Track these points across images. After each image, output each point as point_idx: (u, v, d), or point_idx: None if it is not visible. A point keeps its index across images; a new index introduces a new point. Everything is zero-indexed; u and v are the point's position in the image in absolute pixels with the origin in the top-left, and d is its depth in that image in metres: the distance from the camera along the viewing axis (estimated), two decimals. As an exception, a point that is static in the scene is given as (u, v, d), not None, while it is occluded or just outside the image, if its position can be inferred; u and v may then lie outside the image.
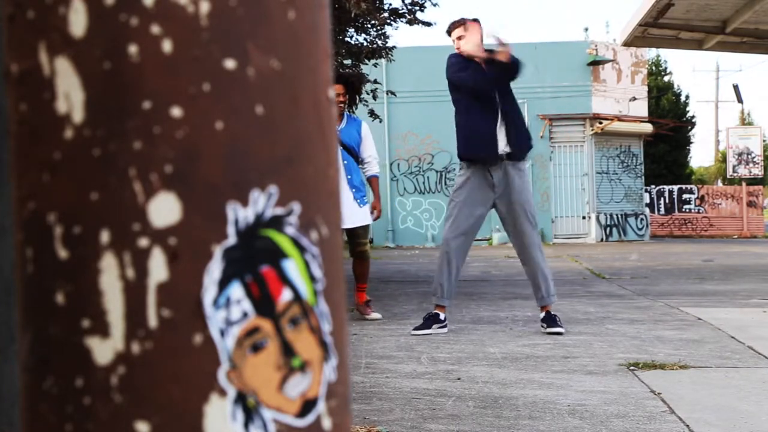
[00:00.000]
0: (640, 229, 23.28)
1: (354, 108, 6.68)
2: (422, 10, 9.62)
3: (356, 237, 6.53)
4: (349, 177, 6.43)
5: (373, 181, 6.62)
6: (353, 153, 6.50)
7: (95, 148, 0.58)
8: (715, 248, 18.24)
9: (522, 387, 3.97)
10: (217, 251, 0.59)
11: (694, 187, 28.64)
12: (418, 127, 21.32)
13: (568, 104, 21.96)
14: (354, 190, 6.43)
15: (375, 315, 6.53)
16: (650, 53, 31.06)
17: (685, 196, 27.82)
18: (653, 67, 32.78)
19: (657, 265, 12.82)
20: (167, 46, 0.58)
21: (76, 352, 0.58)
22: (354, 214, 6.42)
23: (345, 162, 6.44)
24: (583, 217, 22.63)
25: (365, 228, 6.60)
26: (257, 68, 0.60)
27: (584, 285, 9.47)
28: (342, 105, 6.50)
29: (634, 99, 22.98)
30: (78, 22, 0.58)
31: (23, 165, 0.61)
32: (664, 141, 30.19)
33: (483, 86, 5.68)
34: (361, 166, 6.60)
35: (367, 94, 10.07)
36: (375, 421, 3.34)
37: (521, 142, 5.77)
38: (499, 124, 5.71)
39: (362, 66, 10.26)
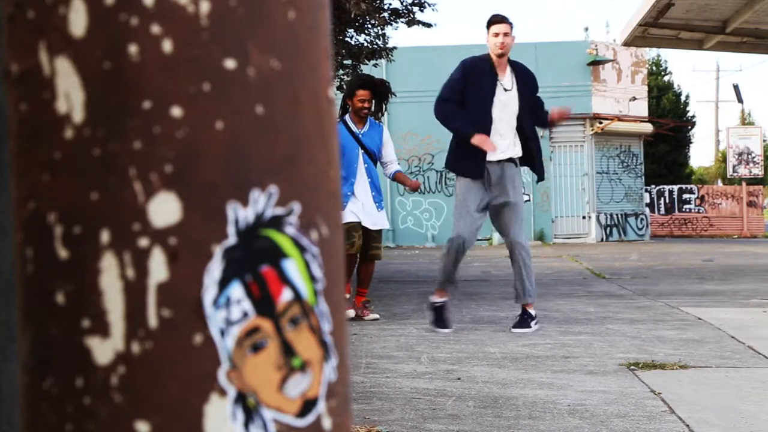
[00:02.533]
0: (640, 229, 23.28)
1: (380, 115, 6.68)
2: (422, 10, 9.62)
3: (372, 240, 6.55)
4: (370, 179, 6.48)
5: (398, 174, 6.68)
6: (374, 157, 6.55)
7: (95, 148, 0.58)
8: (715, 248, 18.25)
9: (522, 387, 3.97)
10: (217, 251, 0.59)
11: (694, 187, 28.65)
12: (418, 127, 21.33)
13: (568, 104, 21.91)
14: (374, 192, 6.49)
15: (373, 315, 6.53)
16: (650, 53, 31.06)
17: (685, 196, 27.82)
18: (653, 67, 32.77)
19: (657, 265, 12.82)
20: (167, 46, 0.58)
21: (76, 352, 0.58)
22: (375, 215, 6.47)
23: (366, 165, 6.48)
24: (583, 217, 22.63)
25: (380, 232, 6.63)
26: (257, 68, 0.60)
27: (584, 285, 9.47)
28: (367, 111, 6.49)
29: (634, 99, 22.98)
30: (78, 22, 0.58)
31: (23, 165, 0.61)
32: (665, 141, 30.18)
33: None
34: (384, 168, 6.68)
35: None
36: (375, 421, 3.34)
37: None
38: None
39: (362, 66, 10.26)
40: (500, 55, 5.85)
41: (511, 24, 5.90)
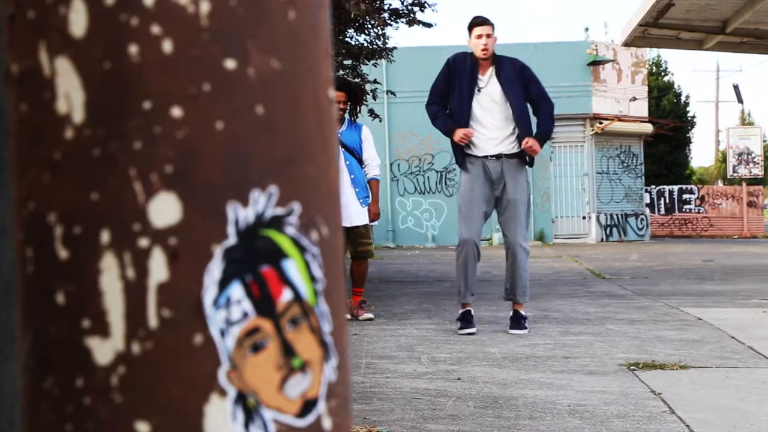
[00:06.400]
0: (640, 229, 23.27)
1: (355, 117, 6.77)
2: (422, 10, 9.62)
3: (357, 236, 6.54)
4: (352, 176, 6.50)
5: (372, 184, 6.68)
6: (355, 155, 6.58)
7: (95, 148, 0.58)
8: (715, 248, 18.24)
9: (522, 387, 3.97)
10: (218, 251, 0.59)
11: (694, 187, 28.64)
12: (418, 127, 21.28)
13: (568, 104, 21.94)
14: (358, 189, 6.50)
15: (367, 315, 6.52)
16: (650, 53, 31.05)
17: (685, 196, 27.81)
18: (653, 67, 32.76)
19: (657, 265, 12.82)
20: (167, 46, 0.58)
21: (76, 352, 0.58)
22: (354, 213, 6.47)
23: (347, 162, 6.52)
24: (584, 217, 22.62)
25: (366, 227, 6.62)
26: (257, 68, 0.60)
27: (584, 285, 9.46)
28: (342, 112, 6.58)
29: (635, 99, 22.97)
30: (78, 22, 0.58)
31: (23, 165, 0.61)
32: (665, 141, 30.17)
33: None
34: (364, 168, 6.67)
35: (367, 94, 10.12)
36: (375, 422, 3.34)
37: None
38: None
39: (362, 66, 10.26)
40: (485, 58, 5.83)
41: (492, 25, 5.89)
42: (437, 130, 6.09)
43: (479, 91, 5.82)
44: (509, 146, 5.82)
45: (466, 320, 5.82)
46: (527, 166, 5.96)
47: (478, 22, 5.88)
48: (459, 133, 5.76)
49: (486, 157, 5.82)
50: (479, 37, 5.81)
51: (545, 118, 5.90)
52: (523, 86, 5.85)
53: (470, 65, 5.86)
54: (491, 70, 5.87)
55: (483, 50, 5.79)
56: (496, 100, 5.82)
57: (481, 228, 5.90)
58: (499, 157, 5.81)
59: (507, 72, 5.84)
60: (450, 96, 5.87)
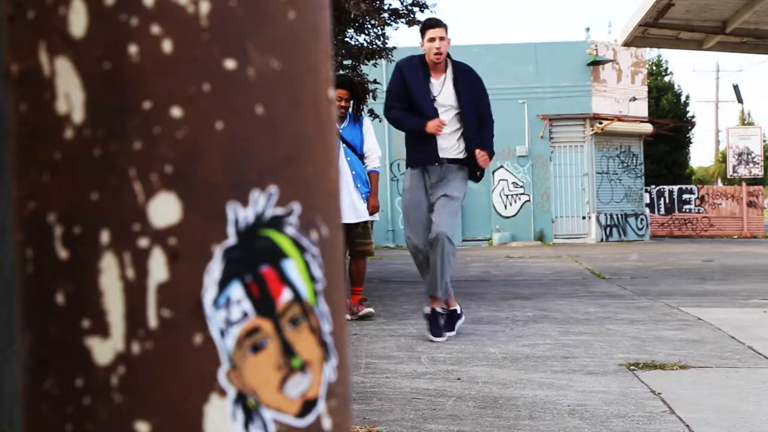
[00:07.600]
0: (640, 229, 23.28)
1: (359, 115, 6.76)
2: (422, 11, 9.63)
3: (357, 236, 6.53)
4: (354, 172, 6.50)
5: (372, 176, 6.67)
6: (356, 151, 6.58)
7: (95, 148, 0.58)
8: (715, 248, 18.24)
9: (522, 387, 3.97)
10: (217, 251, 0.59)
11: (694, 187, 28.64)
12: (418, 127, 21.29)
13: (568, 104, 21.94)
14: (359, 183, 6.51)
15: (368, 310, 6.50)
16: (651, 53, 31.06)
17: (685, 196, 27.82)
18: (653, 68, 32.77)
19: (657, 265, 12.82)
20: (167, 46, 0.58)
21: (76, 352, 0.58)
22: (362, 208, 6.46)
23: (348, 158, 6.51)
24: (583, 217, 22.63)
25: (366, 227, 6.61)
26: (257, 68, 0.60)
27: (584, 285, 9.46)
28: (343, 110, 6.57)
29: (634, 99, 22.98)
30: (78, 22, 0.58)
31: (23, 165, 0.61)
32: (664, 141, 30.18)
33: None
34: (365, 161, 6.66)
35: (367, 94, 10.13)
36: (375, 421, 3.34)
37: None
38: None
39: (362, 66, 10.27)
40: (437, 62, 5.74)
41: (445, 27, 5.80)
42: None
43: (434, 97, 5.73)
44: (454, 152, 5.72)
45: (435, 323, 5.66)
46: (474, 181, 5.89)
47: (431, 24, 5.79)
48: (433, 124, 5.59)
49: (431, 162, 5.72)
50: (432, 40, 5.70)
51: (489, 138, 5.81)
52: (475, 99, 5.77)
53: (423, 70, 5.77)
54: (445, 75, 5.79)
55: (436, 54, 5.68)
56: (449, 105, 5.72)
57: (425, 229, 5.74)
58: (441, 163, 5.70)
59: (463, 80, 5.76)
60: (413, 101, 5.76)
